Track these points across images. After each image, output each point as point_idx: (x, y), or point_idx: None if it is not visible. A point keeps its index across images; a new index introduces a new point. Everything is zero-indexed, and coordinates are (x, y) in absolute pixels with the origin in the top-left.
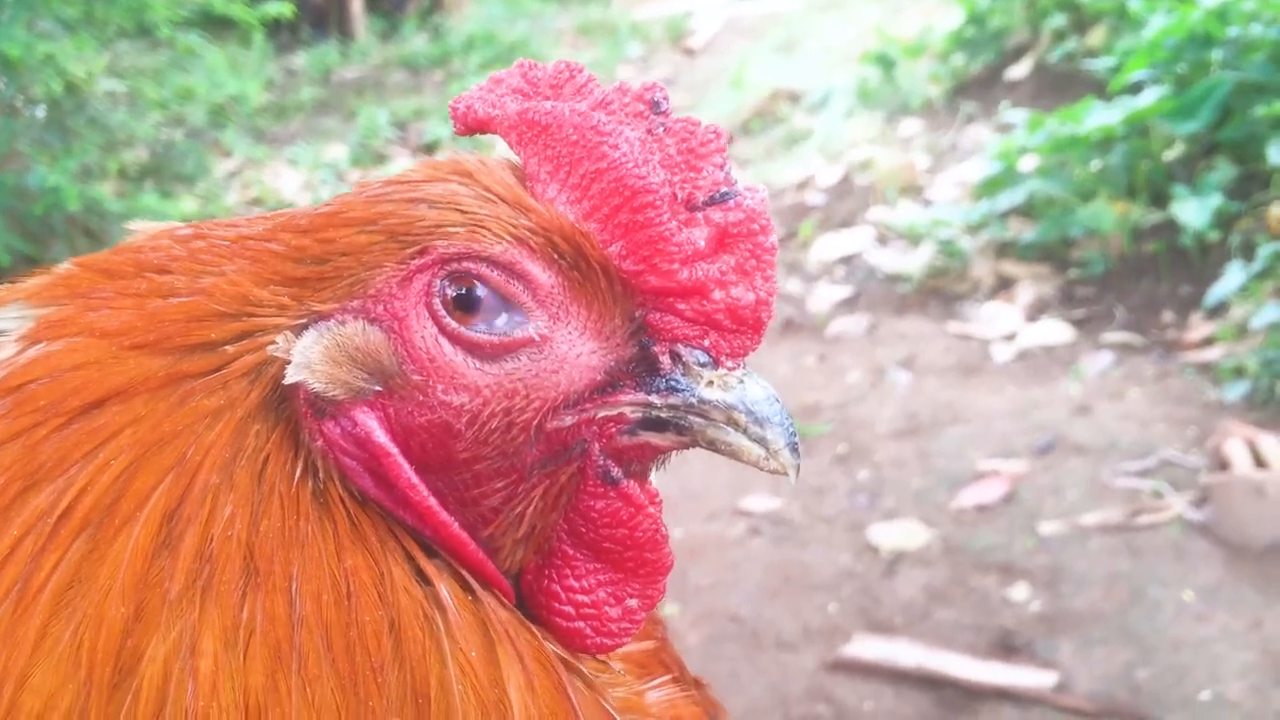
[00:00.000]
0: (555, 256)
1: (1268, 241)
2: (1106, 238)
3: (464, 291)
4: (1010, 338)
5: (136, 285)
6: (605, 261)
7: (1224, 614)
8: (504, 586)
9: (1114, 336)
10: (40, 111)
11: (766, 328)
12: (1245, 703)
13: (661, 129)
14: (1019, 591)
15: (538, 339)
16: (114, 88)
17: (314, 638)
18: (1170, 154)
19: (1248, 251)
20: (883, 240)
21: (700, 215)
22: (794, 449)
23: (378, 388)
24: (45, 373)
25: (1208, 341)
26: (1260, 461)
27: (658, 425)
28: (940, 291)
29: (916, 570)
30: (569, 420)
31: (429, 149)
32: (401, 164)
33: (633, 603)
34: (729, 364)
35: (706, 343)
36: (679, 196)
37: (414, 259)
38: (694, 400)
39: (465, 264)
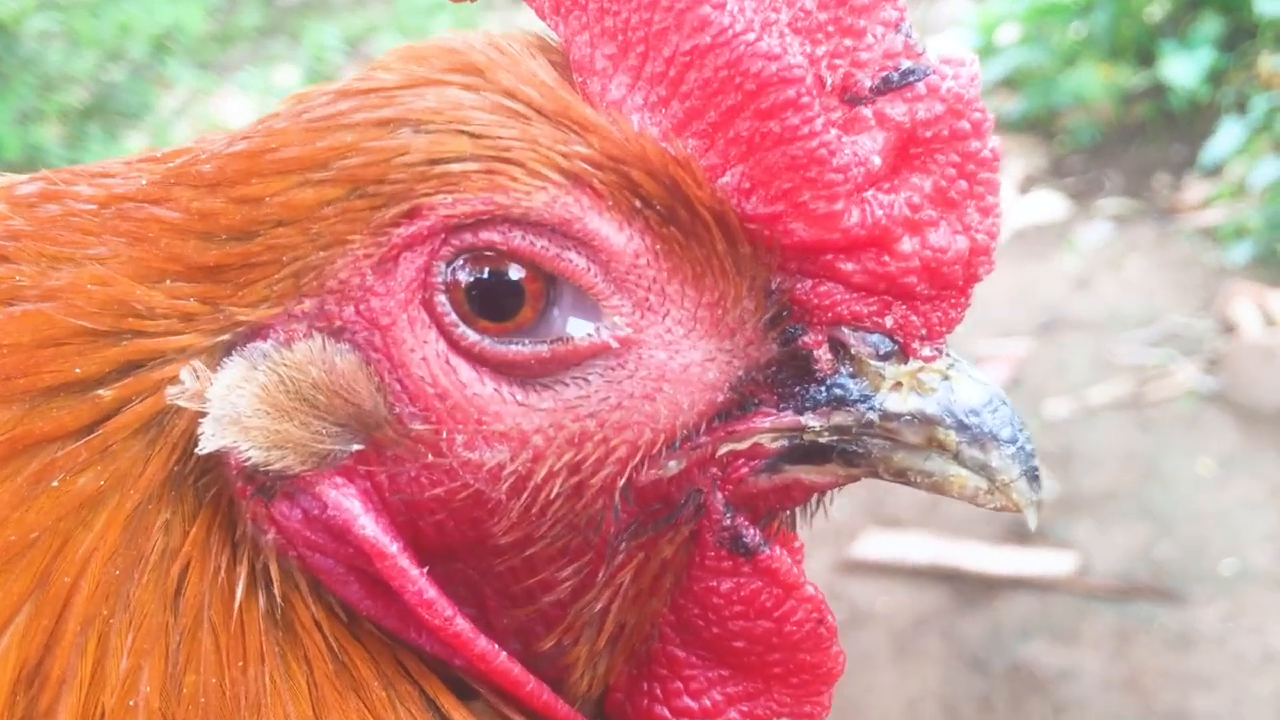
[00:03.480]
0: (636, 204)
1: (1259, 93)
2: (1094, 105)
3: (487, 276)
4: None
5: None
6: (720, 205)
7: (1242, 482)
8: None
9: (1109, 205)
10: None
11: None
12: (1270, 569)
13: None
14: None
15: (616, 345)
16: (46, 26)
17: None
18: (1155, 11)
19: (1240, 107)
20: None
21: (869, 111)
22: (1033, 477)
23: (356, 446)
24: None
25: (1205, 204)
26: (1270, 320)
27: (813, 455)
28: None
29: None
30: (674, 466)
31: None
32: None
33: None
34: (925, 350)
35: (889, 321)
36: (829, 82)
37: (397, 226)
38: (874, 416)
39: (486, 231)
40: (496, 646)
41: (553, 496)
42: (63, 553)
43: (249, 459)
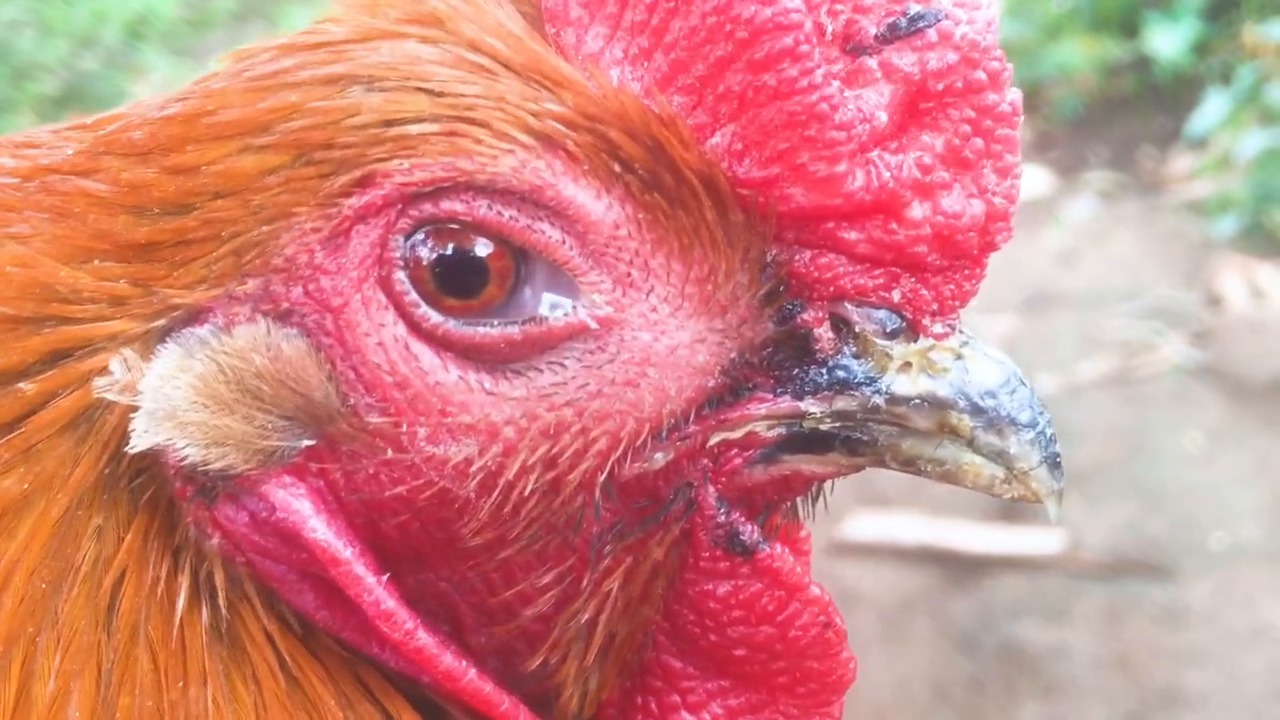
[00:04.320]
0: (615, 168)
1: (1245, 64)
2: (1078, 78)
3: (451, 251)
4: None
5: None
6: (709, 168)
7: (1230, 455)
8: None
9: (1094, 179)
10: None
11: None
12: (1260, 543)
13: None
14: None
15: (595, 326)
16: (17, 15)
17: None
18: None
19: (1225, 79)
20: None
21: (874, 61)
22: (1054, 464)
23: (307, 441)
24: None
25: (1191, 176)
26: (1257, 292)
27: (814, 443)
28: None
29: None
30: (661, 458)
31: None
32: None
33: None
34: (936, 327)
35: (896, 295)
36: (830, 30)
37: (348, 196)
38: (880, 400)
39: (447, 200)
40: (465, 663)
41: (527, 494)
42: None
43: (186, 457)
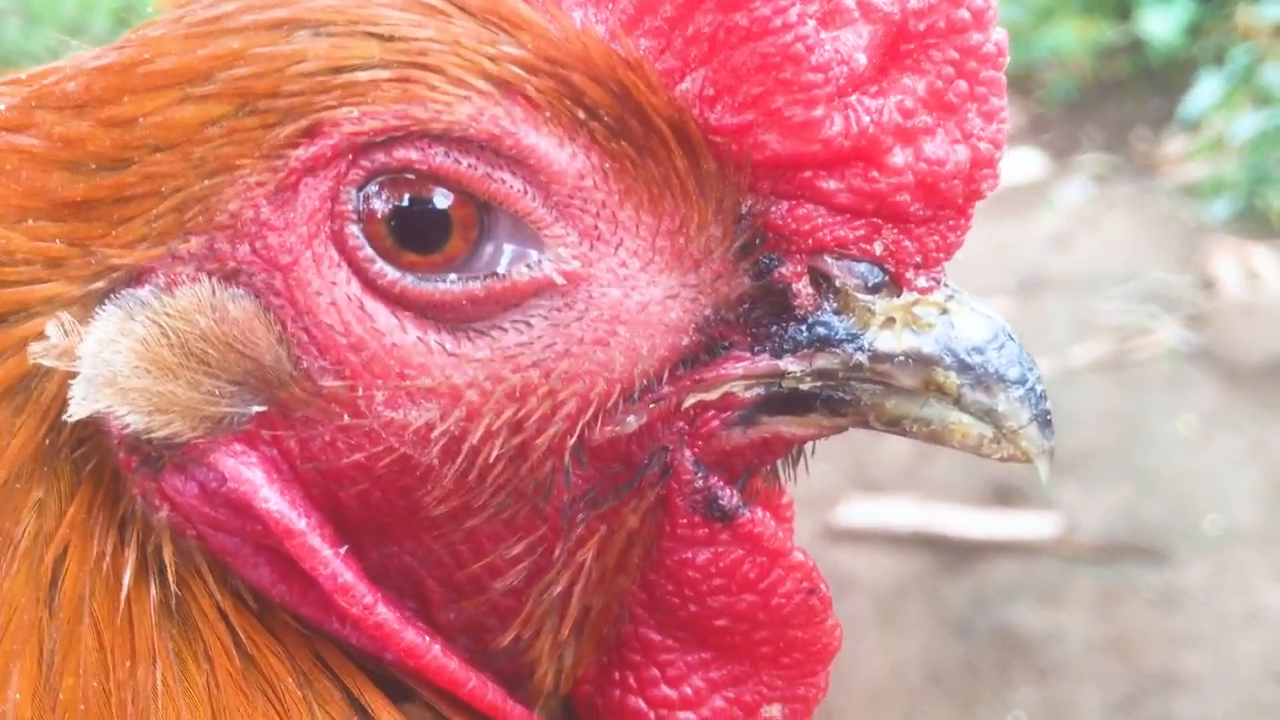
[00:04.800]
0: (580, 115)
1: (1238, 45)
2: (1071, 61)
3: (408, 203)
4: None
5: None
6: (679, 115)
7: (1224, 439)
8: None
9: (1088, 162)
10: None
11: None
12: (1254, 526)
13: None
14: None
15: (562, 282)
16: (3, 3)
17: None
18: None
19: (1218, 60)
20: None
21: (852, 0)
22: (1044, 422)
23: (257, 407)
24: None
25: (1185, 159)
26: (1251, 275)
27: (794, 404)
28: None
29: None
30: (634, 421)
31: None
32: None
33: (773, 711)
34: (920, 280)
35: (878, 247)
36: None
37: (294, 147)
38: (862, 357)
39: (401, 149)
40: (428, 639)
41: (492, 460)
42: None
43: (129, 426)
